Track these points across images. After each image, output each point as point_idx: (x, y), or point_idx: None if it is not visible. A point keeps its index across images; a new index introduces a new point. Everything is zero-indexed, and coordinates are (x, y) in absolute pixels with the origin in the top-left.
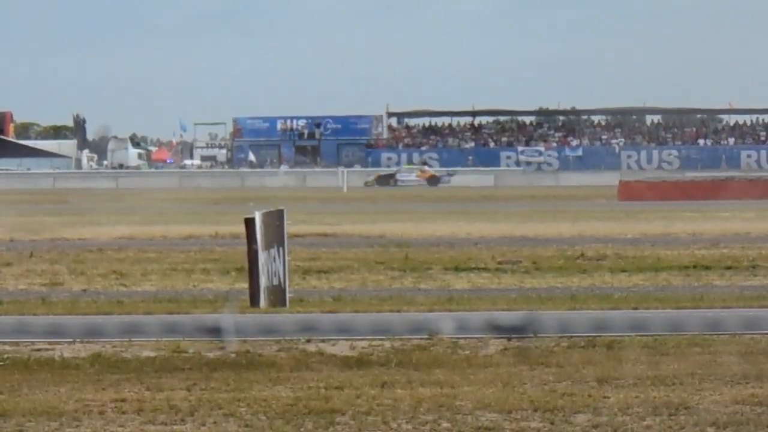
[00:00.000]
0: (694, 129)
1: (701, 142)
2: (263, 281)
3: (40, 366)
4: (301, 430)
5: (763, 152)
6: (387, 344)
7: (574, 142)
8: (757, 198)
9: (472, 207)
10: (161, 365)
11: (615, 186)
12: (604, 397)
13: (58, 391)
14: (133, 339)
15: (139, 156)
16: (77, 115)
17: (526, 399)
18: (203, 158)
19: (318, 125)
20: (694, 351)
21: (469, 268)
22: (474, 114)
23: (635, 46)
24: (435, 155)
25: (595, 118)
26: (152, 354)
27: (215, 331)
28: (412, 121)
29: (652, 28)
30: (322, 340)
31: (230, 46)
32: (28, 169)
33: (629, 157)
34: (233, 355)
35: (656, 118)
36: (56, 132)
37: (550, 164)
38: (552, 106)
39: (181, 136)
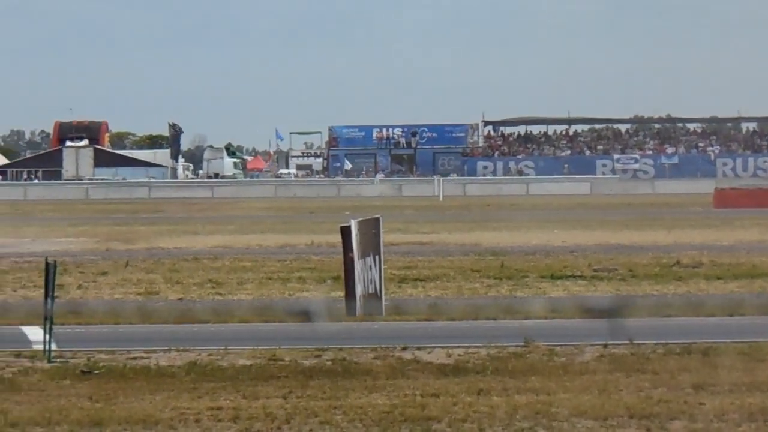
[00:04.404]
0: None
1: None
2: (359, 289)
3: (135, 374)
4: None
5: None
6: (483, 352)
7: (670, 150)
8: None
9: (568, 215)
10: (257, 373)
11: (710, 194)
12: (700, 404)
13: (154, 399)
14: (229, 347)
15: (235, 165)
16: (173, 125)
17: (622, 406)
18: (299, 167)
19: (414, 134)
20: None
21: (565, 275)
22: (570, 122)
23: (730, 54)
24: (531, 163)
25: (691, 126)
26: (248, 362)
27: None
28: (507, 130)
29: (747, 36)
30: (418, 348)
31: (326, 55)
32: (124, 178)
33: (725, 164)
34: (329, 363)
35: (752, 125)
36: (152, 141)
37: (645, 172)
38: (647, 114)
39: (278, 145)
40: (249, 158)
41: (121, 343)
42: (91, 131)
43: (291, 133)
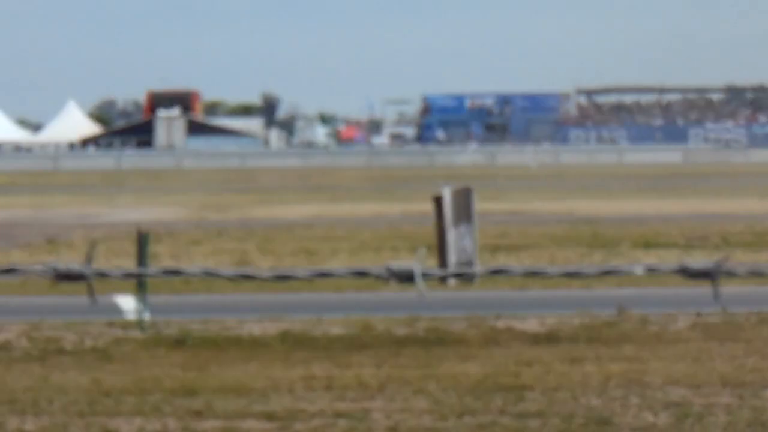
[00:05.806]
0: None
1: None
2: (452, 258)
3: (228, 344)
4: (491, 406)
5: None
6: (576, 320)
7: (763, 119)
8: None
9: (661, 184)
10: (350, 342)
11: None
12: None
13: (247, 368)
14: (322, 316)
15: (328, 134)
16: (268, 95)
17: (715, 374)
18: (392, 136)
19: (507, 103)
20: None
21: (658, 244)
22: (662, 91)
23: None
24: (624, 132)
25: None
26: (341, 331)
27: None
28: (600, 98)
29: None
30: (512, 317)
31: (419, 24)
32: (217, 148)
33: None
34: (422, 332)
35: None
36: (245, 111)
37: (738, 141)
38: (740, 83)
39: (370, 114)
40: (342, 127)
41: (214, 312)
42: (183, 100)
43: (384, 102)
